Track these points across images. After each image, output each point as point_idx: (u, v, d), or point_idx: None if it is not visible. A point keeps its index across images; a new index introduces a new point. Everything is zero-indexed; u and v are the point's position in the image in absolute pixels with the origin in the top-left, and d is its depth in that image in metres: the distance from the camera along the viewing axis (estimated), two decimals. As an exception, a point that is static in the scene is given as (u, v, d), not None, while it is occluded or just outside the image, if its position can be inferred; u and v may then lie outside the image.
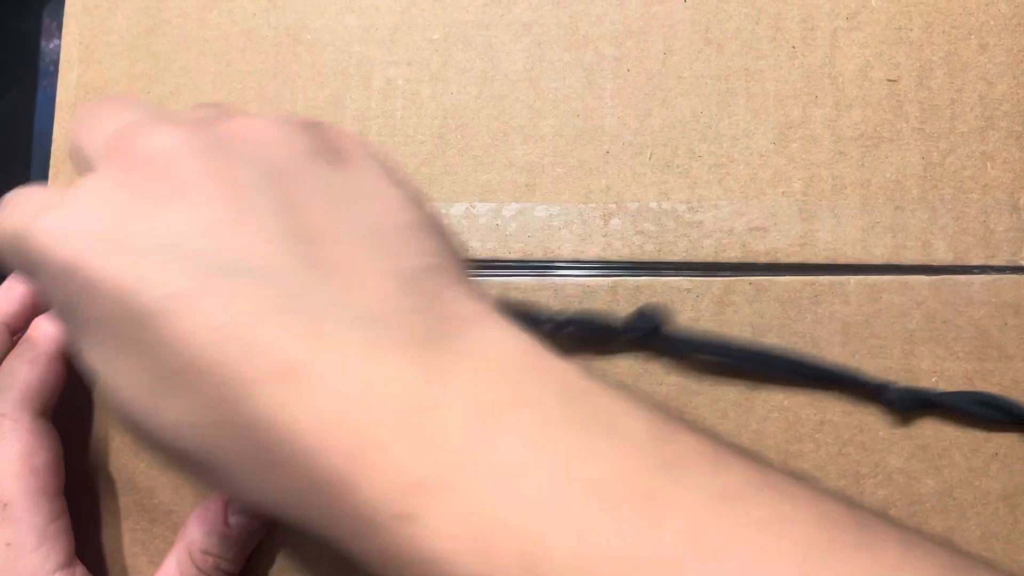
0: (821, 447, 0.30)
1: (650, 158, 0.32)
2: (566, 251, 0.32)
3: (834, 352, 0.30)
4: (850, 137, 0.31)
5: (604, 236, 0.31)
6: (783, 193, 0.31)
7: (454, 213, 0.32)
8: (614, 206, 0.32)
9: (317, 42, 0.34)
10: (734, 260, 0.31)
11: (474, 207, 0.32)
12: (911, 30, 0.31)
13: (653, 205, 0.31)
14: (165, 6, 0.35)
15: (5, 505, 0.27)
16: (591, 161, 0.32)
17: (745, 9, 0.32)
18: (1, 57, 0.37)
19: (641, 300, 0.31)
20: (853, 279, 0.30)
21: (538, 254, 0.32)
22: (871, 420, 0.30)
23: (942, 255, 0.30)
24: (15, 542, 0.27)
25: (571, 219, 0.32)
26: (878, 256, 0.30)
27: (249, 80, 0.34)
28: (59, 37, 0.36)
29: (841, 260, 0.30)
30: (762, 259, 0.31)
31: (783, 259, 0.30)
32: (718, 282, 0.31)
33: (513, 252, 0.32)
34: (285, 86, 0.34)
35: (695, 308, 0.31)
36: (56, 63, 0.36)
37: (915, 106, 0.31)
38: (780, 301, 0.30)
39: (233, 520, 0.29)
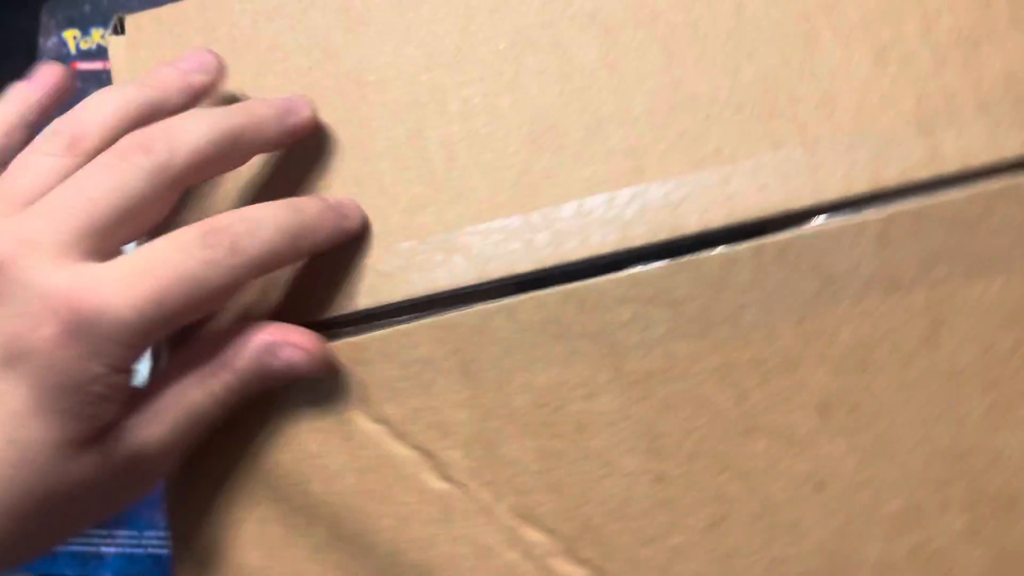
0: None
1: (752, 112, 0.31)
2: (691, 224, 0.31)
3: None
4: (947, 44, 0.30)
5: (727, 199, 0.30)
6: (896, 115, 0.30)
7: (564, 215, 0.31)
8: (730, 167, 0.31)
9: (382, 80, 0.33)
10: (865, 192, 0.30)
11: (584, 203, 0.31)
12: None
13: (767, 157, 0.30)
14: (219, 83, 0.34)
15: None
16: (693, 130, 0.31)
17: (812, -57, 0.31)
18: None
19: (792, 259, 0.30)
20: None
21: (663, 234, 0.31)
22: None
23: (1073, 139, 0.29)
24: None
25: (689, 190, 0.31)
26: (1010, 153, 0.29)
27: (322, 134, 0.33)
28: (57, 35, 0.35)
29: (974, 165, 0.29)
30: (892, 184, 0.30)
31: (914, 180, 0.29)
32: (871, 218, 0.29)
33: (637, 238, 0.31)
34: (361, 131, 0.33)
35: (852, 249, 0.29)
36: (53, 60, 0.35)
37: (1002, 1, 0.30)
38: (945, 223, 0.29)
39: None
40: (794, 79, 0.31)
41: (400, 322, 0.32)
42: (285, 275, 0.33)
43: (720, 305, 0.30)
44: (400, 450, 0.32)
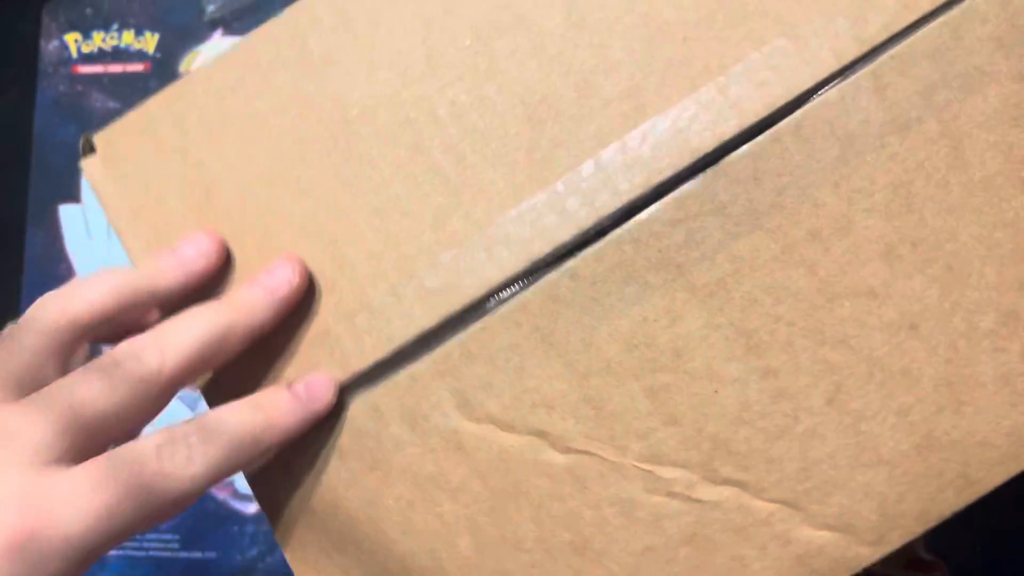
0: None
1: (726, 20, 0.32)
2: (707, 141, 0.32)
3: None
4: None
5: (733, 106, 0.32)
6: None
7: (585, 174, 0.32)
8: (723, 78, 0.32)
9: (366, 110, 0.34)
10: (857, 56, 0.31)
11: (600, 158, 0.32)
12: None
13: (755, 56, 0.32)
14: (207, 167, 0.34)
15: None
16: (677, 55, 0.32)
17: None
18: (0, 58, 0.36)
19: (808, 133, 0.31)
20: None
21: (685, 159, 0.32)
22: None
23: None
24: None
25: (694, 111, 0.32)
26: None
27: (327, 179, 0.34)
28: (58, 38, 0.35)
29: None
30: (880, 41, 0.31)
31: (898, 29, 0.31)
32: (861, 73, 0.31)
33: (663, 171, 0.32)
34: (363, 164, 0.34)
35: (856, 106, 0.31)
36: (55, 64, 0.36)
37: None
38: (926, 56, 0.31)
39: None
40: (750, -24, 0.32)
41: (470, 323, 0.32)
42: (334, 323, 0.33)
43: (761, 196, 0.31)
44: (514, 440, 0.32)
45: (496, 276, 0.32)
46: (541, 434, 0.32)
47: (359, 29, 0.34)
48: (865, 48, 0.31)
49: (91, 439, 0.29)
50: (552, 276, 0.32)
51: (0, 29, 0.38)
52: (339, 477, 0.32)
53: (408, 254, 0.33)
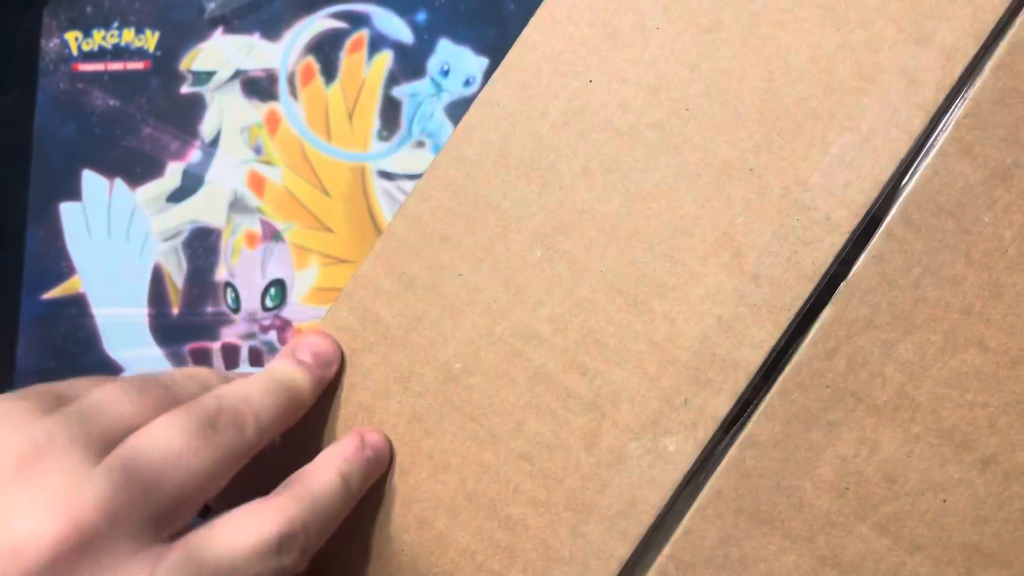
0: None
1: (781, 137, 0.31)
2: (820, 260, 0.31)
3: None
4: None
5: (828, 219, 0.31)
6: (889, 48, 0.31)
7: (714, 337, 0.31)
8: (807, 193, 0.31)
9: (467, 359, 0.33)
10: (925, 124, 0.31)
11: (722, 317, 0.31)
12: None
13: (827, 160, 0.31)
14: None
15: None
16: (749, 190, 0.32)
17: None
18: (1, 57, 0.35)
19: (917, 219, 0.30)
20: None
21: (807, 285, 0.31)
22: None
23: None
24: None
25: (790, 236, 0.31)
26: (994, 16, 0.31)
27: (458, 446, 0.32)
28: (59, 36, 0.34)
29: (984, 37, 0.31)
30: (939, 102, 0.31)
31: (951, 84, 0.31)
32: (941, 142, 0.30)
33: (790, 307, 0.31)
34: (487, 414, 0.33)
35: (951, 175, 0.30)
36: (56, 62, 0.35)
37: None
38: (992, 104, 0.30)
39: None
40: (787, 86, 0.32)
41: (670, 532, 0.31)
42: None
43: (901, 296, 0.30)
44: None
45: (674, 476, 0.31)
46: (793, 614, 0.30)
47: (425, 282, 0.33)
48: (929, 113, 0.30)
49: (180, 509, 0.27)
50: (733, 452, 0.30)
51: (0, 28, 0.37)
52: None
53: (573, 488, 0.31)
